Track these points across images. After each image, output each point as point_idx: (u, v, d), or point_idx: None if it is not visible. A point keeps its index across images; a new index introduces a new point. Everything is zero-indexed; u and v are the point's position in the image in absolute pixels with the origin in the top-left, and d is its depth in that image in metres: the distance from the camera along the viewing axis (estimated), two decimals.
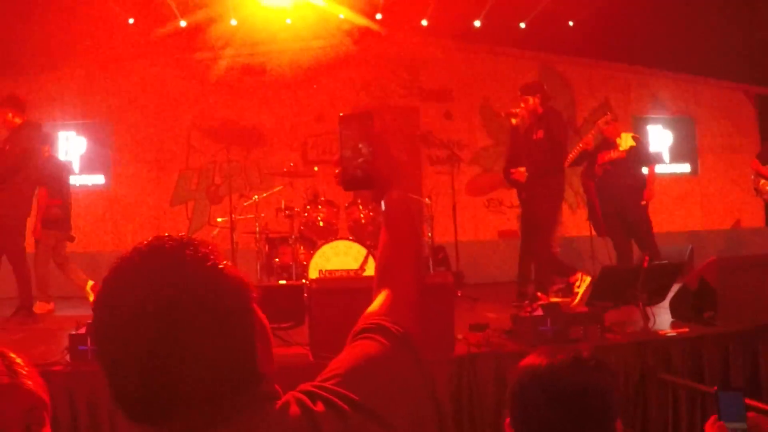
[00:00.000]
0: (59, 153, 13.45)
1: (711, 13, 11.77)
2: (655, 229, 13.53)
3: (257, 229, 9.75)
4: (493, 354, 5.87)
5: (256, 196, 10.01)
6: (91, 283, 9.87)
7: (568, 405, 2.24)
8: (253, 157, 13.79)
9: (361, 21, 12.87)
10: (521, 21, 13.15)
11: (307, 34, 13.21)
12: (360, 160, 2.01)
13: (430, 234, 9.93)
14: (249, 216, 10.07)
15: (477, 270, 11.44)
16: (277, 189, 10.66)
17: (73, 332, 6.01)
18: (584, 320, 6.22)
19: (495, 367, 5.80)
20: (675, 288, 7.31)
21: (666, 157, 15.04)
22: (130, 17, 12.20)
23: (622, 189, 10.29)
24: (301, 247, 9.42)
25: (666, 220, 14.34)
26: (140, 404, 1.42)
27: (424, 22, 13.12)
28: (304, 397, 1.51)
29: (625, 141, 10.32)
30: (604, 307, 6.69)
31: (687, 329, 6.53)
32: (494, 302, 9.05)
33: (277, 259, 9.66)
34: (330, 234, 9.33)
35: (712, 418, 2.88)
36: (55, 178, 9.81)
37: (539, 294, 8.61)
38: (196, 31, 12.69)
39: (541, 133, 8.94)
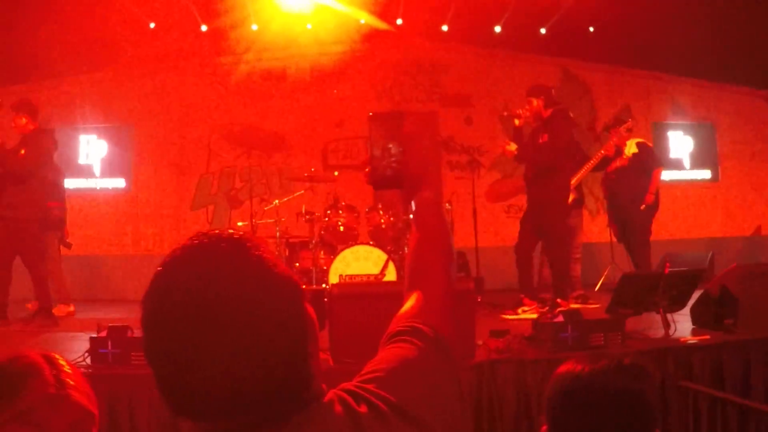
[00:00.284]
0: (79, 156, 13.58)
1: (731, 18, 11.70)
2: (676, 236, 13.53)
3: (277, 233, 9.76)
4: (514, 360, 5.86)
5: (276, 201, 10.03)
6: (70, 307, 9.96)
7: (609, 411, 2.24)
8: (274, 161, 13.81)
9: (382, 26, 12.89)
10: (541, 27, 13.12)
11: (327, 39, 13.23)
12: (390, 159, 2.01)
13: None
14: (269, 220, 10.08)
15: (497, 276, 11.41)
16: (298, 194, 10.67)
17: (94, 335, 6.06)
18: (605, 327, 6.21)
19: (515, 373, 5.79)
20: (696, 295, 7.29)
21: (686, 163, 14.98)
22: (152, 22, 12.24)
23: (624, 197, 10.30)
24: (322, 252, 9.43)
25: (686, 226, 14.32)
26: (187, 401, 1.42)
27: (445, 28, 13.11)
28: (348, 397, 1.54)
29: (629, 148, 10.31)
30: (624, 314, 6.68)
31: (708, 336, 6.52)
32: (515, 308, 9.02)
33: (298, 264, 9.68)
34: (350, 239, 9.33)
35: None
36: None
37: (559, 300, 8.59)
38: (218, 35, 12.74)
39: (546, 137, 8.91)
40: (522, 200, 13.29)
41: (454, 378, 1.69)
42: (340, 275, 8.67)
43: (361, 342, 5.61)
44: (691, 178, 14.94)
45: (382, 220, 9.29)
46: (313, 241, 9.31)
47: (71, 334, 7.91)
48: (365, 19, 12.65)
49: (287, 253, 9.90)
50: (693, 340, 6.43)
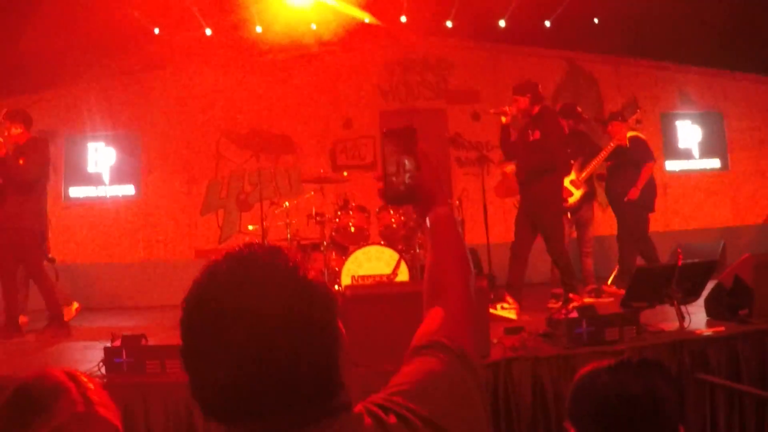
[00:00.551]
0: (88, 164, 13.61)
1: (737, 5, 11.67)
2: (686, 226, 13.50)
3: (288, 236, 9.76)
4: (529, 357, 5.85)
5: (286, 203, 10.01)
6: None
7: (633, 413, 2.26)
8: (282, 163, 13.82)
9: (386, 24, 12.88)
10: (546, 19, 13.10)
11: (332, 39, 13.24)
12: (405, 175, 2.02)
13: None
14: (280, 223, 10.08)
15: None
16: (308, 195, 10.67)
17: (108, 345, 6.08)
18: (620, 321, 6.20)
19: (531, 370, 5.78)
20: (710, 286, 7.27)
21: (695, 153, 14.94)
22: (156, 27, 12.25)
23: (615, 191, 10.26)
24: (333, 253, 9.41)
25: (697, 216, 14.29)
26: (219, 403, 1.47)
27: (449, 24, 13.10)
28: (377, 409, 1.57)
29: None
30: (639, 308, 6.67)
31: (723, 328, 6.49)
32: (528, 303, 9.01)
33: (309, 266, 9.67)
34: (362, 239, 9.32)
35: None
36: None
37: (572, 295, 8.57)
38: (222, 39, 12.74)
39: (537, 134, 8.87)
40: None
41: (479, 389, 1.72)
42: (353, 276, 8.67)
43: (374, 344, 5.62)
44: (700, 168, 14.90)
45: (393, 220, 9.27)
46: (325, 243, 9.30)
47: (85, 343, 7.94)
48: (369, 18, 12.64)
49: (299, 256, 9.88)
50: (708, 332, 6.40)
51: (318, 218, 9.49)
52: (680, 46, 13.21)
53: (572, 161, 9.82)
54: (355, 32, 12.96)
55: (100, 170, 13.72)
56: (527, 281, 9.27)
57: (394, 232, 9.29)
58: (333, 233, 9.48)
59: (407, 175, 2.01)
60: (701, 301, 7.16)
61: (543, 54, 14.33)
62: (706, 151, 14.99)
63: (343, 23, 12.54)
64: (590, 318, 6.13)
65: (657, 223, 13.58)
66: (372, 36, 13.39)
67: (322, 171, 10.35)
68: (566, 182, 9.68)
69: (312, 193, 10.79)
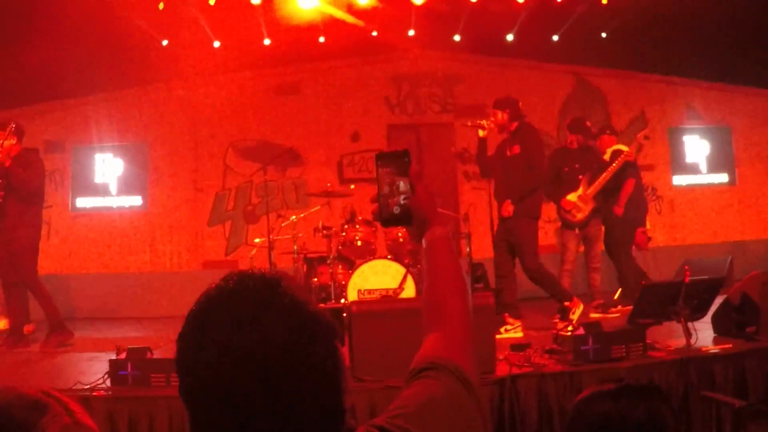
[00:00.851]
0: (96, 175, 13.65)
1: (744, 20, 11.66)
2: (694, 241, 13.48)
3: (295, 249, 9.74)
4: (535, 374, 5.83)
5: (293, 217, 10.01)
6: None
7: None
8: (290, 176, 13.83)
9: (394, 38, 12.90)
10: (554, 34, 13.11)
11: (340, 52, 13.26)
12: (399, 197, 2.03)
13: (468, 250, 9.88)
14: (286, 236, 10.08)
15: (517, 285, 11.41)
16: (315, 209, 10.68)
17: (113, 357, 6.08)
18: (626, 338, 6.18)
19: (537, 387, 5.77)
20: (717, 302, 7.24)
21: (703, 167, 14.94)
22: (164, 38, 12.28)
23: (605, 206, 10.20)
24: (340, 267, 9.39)
25: (704, 230, 14.29)
26: None
27: (457, 38, 13.11)
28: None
29: (606, 155, 10.18)
30: (645, 324, 6.65)
31: (730, 345, 6.48)
32: (533, 318, 9.00)
33: (316, 279, 9.65)
34: (368, 253, 9.31)
35: None
36: None
37: (567, 304, 8.54)
38: (230, 51, 12.76)
39: (516, 149, 8.81)
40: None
41: (480, 411, 1.71)
42: (359, 290, 8.65)
43: (380, 359, 5.63)
44: (708, 182, 14.92)
45: (400, 234, 9.25)
46: (331, 256, 9.28)
47: (90, 354, 7.94)
48: (377, 32, 12.66)
49: (305, 269, 9.88)
50: (715, 349, 6.39)
51: (325, 231, 9.47)
52: (688, 61, 13.22)
53: (580, 176, 9.78)
54: (362, 46, 12.98)
55: (107, 181, 13.75)
56: (534, 296, 9.25)
57: (401, 246, 9.27)
58: (340, 247, 9.47)
59: (402, 197, 2.02)
60: (708, 317, 7.13)
61: (550, 68, 14.35)
62: (714, 165, 14.99)
63: (352, 37, 12.55)
64: (596, 335, 6.11)
65: (664, 238, 13.61)
66: (380, 49, 13.41)
67: (329, 185, 10.33)
68: (574, 197, 9.67)
69: (318, 207, 10.80)
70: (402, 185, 2.02)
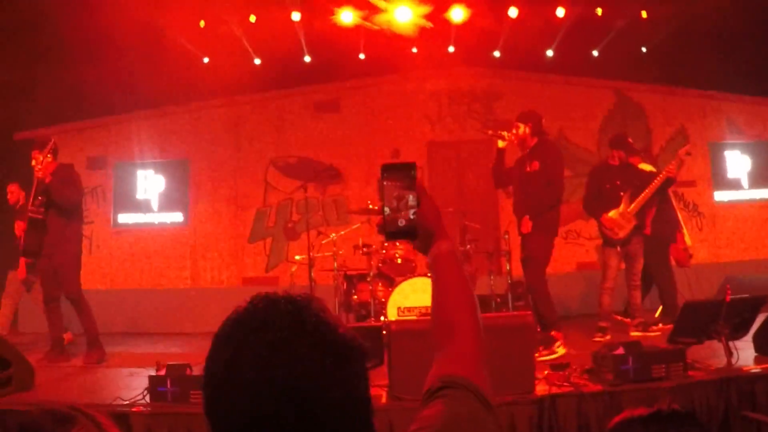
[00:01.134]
0: (138, 191, 13.79)
1: None
2: (736, 257, 13.33)
3: (335, 266, 9.77)
4: (575, 394, 5.79)
5: (333, 235, 10.05)
6: None
7: None
8: (330, 193, 13.88)
9: (434, 54, 12.92)
10: (594, 49, 13.08)
11: (379, 69, 13.30)
12: (408, 211, 2.00)
13: (508, 268, 9.86)
14: (326, 254, 10.11)
15: (556, 303, 11.35)
16: (355, 227, 10.72)
17: (153, 373, 6.12)
18: (666, 358, 6.11)
19: (577, 406, 5.73)
20: (759, 320, 7.16)
21: (745, 182, 14.81)
22: (205, 56, 12.39)
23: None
24: (380, 284, 9.41)
25: (747, 247, 14.13)
26: None
27: (497, 54, 13.12)
28: None
29: None
30: (686, 344, 6.59)
31: None
32: (574, 336, 8.95)
33: (356, 296, 9.68)
34: (408, 271, 9.31)
35: None
36: None
37: (553, 333, 8.37)
38: (271, 68, 12.85)
39: (536, 165, 8.66)
40: (579, 225, 13.22)
41: (498, 428, 1.71)
42: (399, 308, 8.65)
43: (419, 378, 5.62)
44: (749, 198, 14.75)
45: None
46: (371, 274, 9.30)
47: (130, 369, 7.97)
48: (417, 48, 12.69)
49: (345, 286, 9.91)
50: (756, 369, 6.31)
51: (365, 249, 9.49)
52: (728, 75, 13.13)
53: (622, 193, 9.72)
54: (403, 62, 13.02)
55: (148, 197, 13.88)
56: (575, 313, 9.18)
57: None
58: (380, 264, 9.49)
59: (411, 210, 1.99)
60: (750, 336, 7.05)
61: (590, 84, 14.28)
62: (756, 181, 14.83)
63: (392, 53, 12.59)
64: (636, 354, 6.04)
65: (706, 255, 13.47)
66: (420, 66, 13.44)
67: (369, 203, 10.33)
68: (616, 215, 9.60)
69: (358, 224, 10.83)
70: (411, 199, 1.99)
